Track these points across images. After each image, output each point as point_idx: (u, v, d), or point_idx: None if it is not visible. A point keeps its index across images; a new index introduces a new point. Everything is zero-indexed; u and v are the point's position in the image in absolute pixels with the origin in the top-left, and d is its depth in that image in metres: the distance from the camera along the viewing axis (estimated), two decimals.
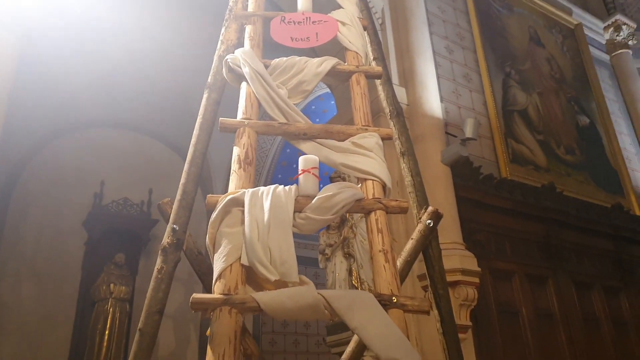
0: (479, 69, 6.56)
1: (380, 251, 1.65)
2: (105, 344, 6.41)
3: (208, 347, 1.40)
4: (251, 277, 1.55)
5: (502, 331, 4.93)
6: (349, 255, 4.72)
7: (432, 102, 5.32)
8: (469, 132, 4.86)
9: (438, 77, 5.74)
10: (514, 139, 6.44)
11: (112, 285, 6.57)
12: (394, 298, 1.50)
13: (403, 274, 2.37)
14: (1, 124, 3.17)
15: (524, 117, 6.83)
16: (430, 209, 2.36)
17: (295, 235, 1.62)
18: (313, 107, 9.76)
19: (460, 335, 4.34)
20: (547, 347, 5.21)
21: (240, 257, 1.53)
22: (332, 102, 8.15)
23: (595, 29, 9.37)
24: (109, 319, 6.50)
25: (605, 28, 9.48)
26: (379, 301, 1.47)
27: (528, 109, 7.01)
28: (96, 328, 6.44)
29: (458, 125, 5.58)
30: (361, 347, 2.22)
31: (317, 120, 9.34)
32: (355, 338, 2.24)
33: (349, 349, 2.16)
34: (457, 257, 4.41)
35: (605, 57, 9.37)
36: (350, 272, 4.69)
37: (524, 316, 5.19)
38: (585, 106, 8.07)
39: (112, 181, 7.11)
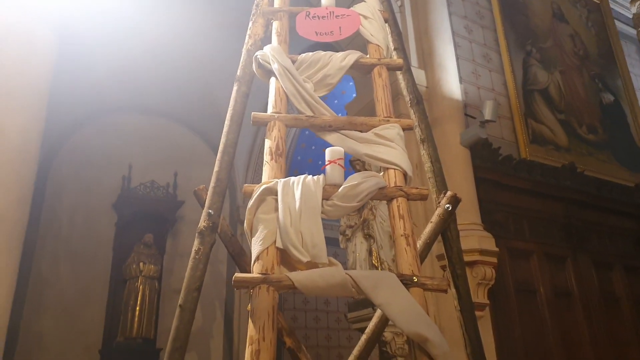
0: (498, 49, 6.54)
1: (402, 235, 1.79)
2: (137, 319, 6.74)
3: (249, 321, 1.58)
4: (285, 258, 1.72)
5: (519, 309, 5.06)
6: (369, 236, 4.88)
7: (452, 83, 5.37)
8: (488, 114, 4.92)
9: (457, 58, 5.76)
10: (534, 119, 6.45)
11: (141, 264, 6.87)
12: (414, 278, 1.66)
13: (423, 255, 2.52)
14: (43, 114, 3.38)
15: (545, 97, 6.81)
16: (449, 193, 2.50)
17: None
18: None
19: (478, 313, 4.53)
20: (565, 325, 5.33)
21: (275, 241, 1.69)
22: (351, 83, 8.22)
23: (622, 3, 9.16)
24: (139, 296, 6.81)
25: (632, 1, 9.26)
26: (401, 281, 1.62)
27: (549, 87, 6.97)
28: (128, 304, 6.76)
29: (477, 106, 5.62)
30: (383, 323, 2.39)
31: (336, 102, 9.42)
32: (377, 314, 2.41)
33: (371, 324, 2.33)
34: (475, 238, 4.53)
35: (632, 31, 9.16)
36: (370, 252, 4.86)
37: (542, 295, 5.30)
38: (610, 83, 7.98)
39: (139, 164, 7.36)
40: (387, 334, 4.46)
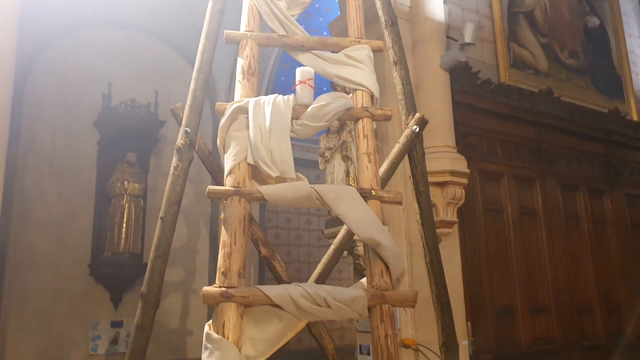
0: None
1: (364, 153, 1.92)
2: (123, 235, 6.98)
3: (222, 228, 1.74)
4: (256, 173, 1.85)
5: (486, 227, 5.39)
6: (347, 158, 5.03)
7: (435, 4, 5.28)
8: (468, 37, 4.92)
9: None
10: (517, 42, 6.45)
11: (125, 182, 6.99)
12: (373, 191, 1.81)
13: (389, 173, 2.68)
14: (15, 29, 3.32)
15: (530, 19, 6.75)
16: (417, 115, 2.62)
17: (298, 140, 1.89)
18: (317, 5, 9.53)
19: (446, 230, 4.83)
20: (528, 242, 5.71)
21: (246, 157, 1.81)
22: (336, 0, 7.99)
23: None
24: (125, 213, 7.00)
25: None
26: (361, 194, 1.78)
27: (535, 10, 6.89)
28: (114, 221, 6.96)
29: (460, 28, 5.57)
30: (350, 235, 2.59)
31: (321, 19, 9.18)
32: (344, 227, 2.61)
33: (339, 235, 2.54)
34: (447, 160, 4.71)
35: None
36: (347, 173, 5.04)
37: (509, 214, 5.62)
38: (597, 6, 7.88)
39: (119, 82, 7.25)
40: (360, 249, 4.76)
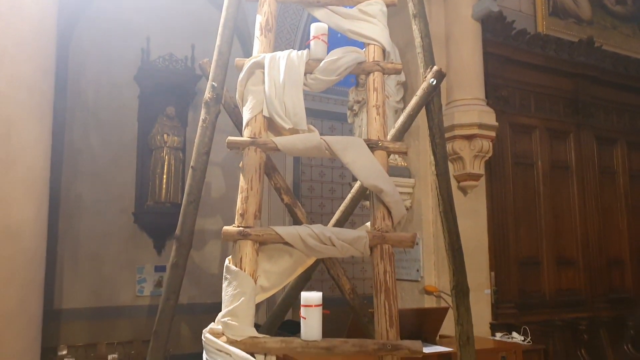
0: None
1: (373, 106, 2.03)
2: (164, 185, 7.35)
3: (241, 175, 1.91)
4: (271, 125, 2.00)
5: (515, 180, 5.40)
6: None
7: None
8: None
9: None
10: None
11: (165, 135, 7.29)
12: (379, 142, 1.93)
13: (407, 125, 2.78)
14: None
15: None
16: (434, 68, 2.67)
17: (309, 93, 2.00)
18: None
19: (472, 183, 4.89)
20: (558, 196, 5.69)
21: (262, 110, 1.96)
22: None
23: None
24: (165, 165, 7.35)
25: None
26: (368, 145, 1.90)
27: None
28: (155, 172, 7.32)
29: None
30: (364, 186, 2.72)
31: None
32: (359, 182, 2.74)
33: (355, 185, 2.68)
34: (476, 112, 4.70)
35: None
36: None
37: (539, 167, 5.59)
38: None
39: (157, 37, 7.41)
40: None
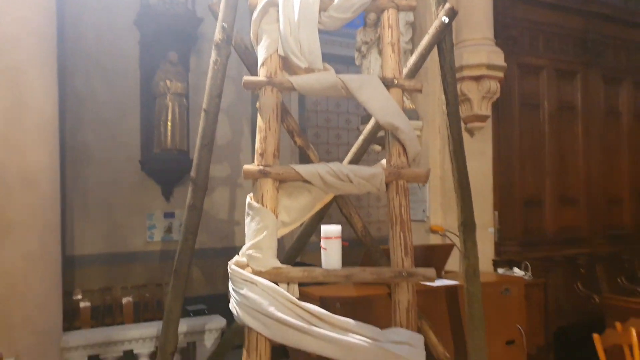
0: None
1: (388, 43, 2.03)
2: (169, 132, 7.36)
3: (258, 115, 1.95)
4: (287, 64, 2.01)
5: (521, 121, 5.42)
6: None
7: None
8: None
9: None
10: None
11: (168, 81, 7.22)
12: (395, 80, 1.95)
13: (419, 65, 2.78)
14: None
15: None
16: (447, 6, 2.63)
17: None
18: None
19: (479, 124, 4.91)
20: (563, 136, 5.72)
21: (277, 49, 1.96)
22: None
23: None
24: (169, 112, 7.33)
25: None
26: (383, 82, 1.92)
27: None
28: (160, 119, 7.32)
29: None
30: (377, 126, 2.76)
31: None
32: (372, 119, 2.78)
33: (368, 126, 2.72)
34: (484, 53, 4.64)
35: None
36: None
37: (545, 108, 5.59)
38: None
39: None
40: None
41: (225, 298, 5.82)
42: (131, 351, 3.89)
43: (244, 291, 1.72)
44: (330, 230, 1.82)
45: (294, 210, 1.90)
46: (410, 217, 5.08)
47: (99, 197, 6.98)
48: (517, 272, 4.93)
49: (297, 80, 1.93)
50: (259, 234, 1.79)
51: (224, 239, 7.84)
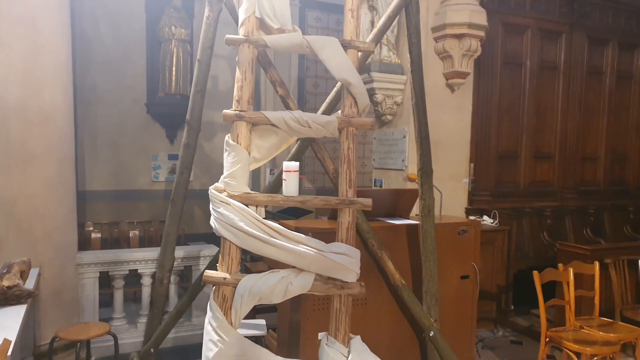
0: None
1: (349, 10, 2.37)
2: (174, 77, 7.70)
3: (237, 68, 2.33)
4: (262, 25, 2.37)
5: (502, 79, 5.72)
6: (372, 8, 5.28)
7: None
8: None
9: None
10: None
11: (173, 27, 7.48)
12: (351, 42, 2.32)
13: (387, 26, 3.14)
14: None
15: None
16: None
17: None
18: None
19: (460, 80, 5.24)
20: (543, 95, 6.03)
21: (255, 11, 2.33)
22: None
23: None
24: (174, 57, 7.63)
25: None
26: (342, 44, 2.29)
27: None
28: (165, 64, 7.63)
29: None
30: None
31: None
32: None
33: (338, 83, 3.09)
34: (467, 12, 4.90)
35: None
36: (372, 23, 5.32)
37: (527, 67, 5.87)
38: None
39: None
40: (379, 96, 5.29)
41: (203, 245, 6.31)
42: (136, 270, 4.46)
43: (221, 210, 2.18)
44: (290, 165, 2.25)
45: (264, 148, 2.33)
46: (390, 166, 5.52)
47: (107, 137, 7.41)
48: (486, 219, 5.40)
49: (270, 39, 2.31)
50: (234, 166, 2.22)
51: None
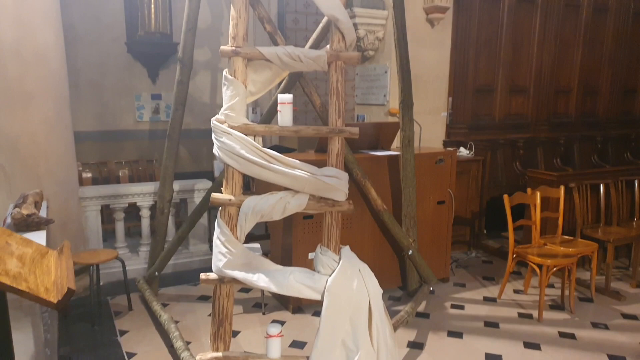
0: None
1: None
2: (153, 15, 7.59)
3: (231, 6, 2.48)
4: None
5: (480, 14, 5.86)
6: None
7: None
8: None
9: None
10: None
11: None
12: None
13: None
14: None
15: None
16: None
17: None
18: None
19: (439, 15, 5.40)
20: (520, 29, 6.20)
21: None
22: None
23: None
24: None
25: None
26: None
27: None
28: (144, 2, 7.52)
29: None
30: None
31: None
32: None
33: (324, 19, 3.24)
34: None
35: None
36: None
37: (505, 1, 5.99)
38: None
39: None
40: (361, 31, 5.41)
41: (210, 174, 6.61)
42: (135, 203, 4.71)
43: (223, 139, 2.40)
44: (285, 97, 2.46)
45: (259, 82, 2.53)
46: (372, 101, 5.76)
47: (89, 78, 7.39)
48: (462, 151, 5.72)
49: None
50: (232, 99, 2.43)
51: (207, 121, 8.37)
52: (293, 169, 2.41)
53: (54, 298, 1.18)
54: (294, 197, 2.43)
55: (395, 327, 3.38)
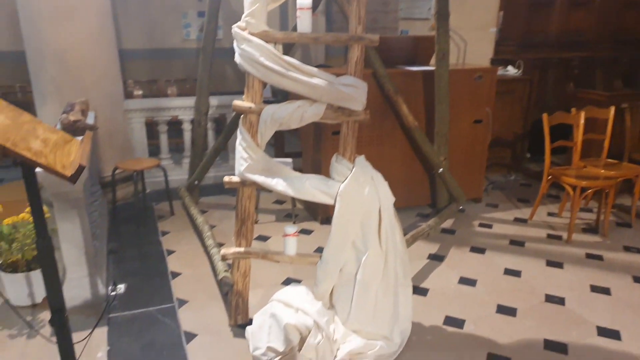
0: None
1: None
2: None
3: None
4: None
5: None
6: None
7: None
8: None
9: None
10: None
11: None
12: None
13: None
14: None
15: None
16: None
17: None
18: None
19: None
20: None
21: None
22: None
23: None
24: None
25: None
26: None
27: None
28: None
29: None
30: None
31: None
32: None
33: None
34: None
35: None
36: None
37: None
38: None
39: None
40: None
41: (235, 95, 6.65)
42: (177, 116, 4.92)
43: (244, 46, 2.44)
44: (304, 3, 2.43)
45: None
46: (416, 15, 5.52)
47: None
48: (509, 70, 5.45)
49: None
50: (253, 5, 2.43)
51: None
52: (311, 77, 2.43)
53: (68, 173, 1.34)
54: (311, 106, 2.47)
55: (414, 238, 3.49)
